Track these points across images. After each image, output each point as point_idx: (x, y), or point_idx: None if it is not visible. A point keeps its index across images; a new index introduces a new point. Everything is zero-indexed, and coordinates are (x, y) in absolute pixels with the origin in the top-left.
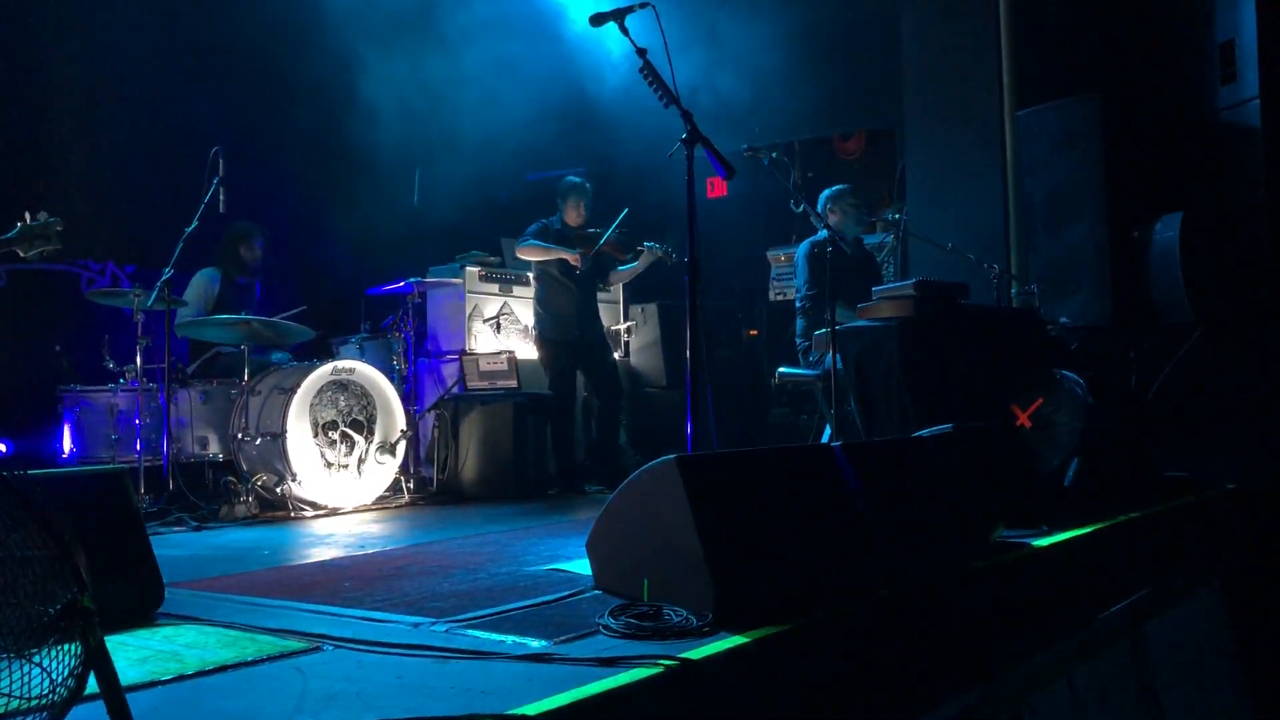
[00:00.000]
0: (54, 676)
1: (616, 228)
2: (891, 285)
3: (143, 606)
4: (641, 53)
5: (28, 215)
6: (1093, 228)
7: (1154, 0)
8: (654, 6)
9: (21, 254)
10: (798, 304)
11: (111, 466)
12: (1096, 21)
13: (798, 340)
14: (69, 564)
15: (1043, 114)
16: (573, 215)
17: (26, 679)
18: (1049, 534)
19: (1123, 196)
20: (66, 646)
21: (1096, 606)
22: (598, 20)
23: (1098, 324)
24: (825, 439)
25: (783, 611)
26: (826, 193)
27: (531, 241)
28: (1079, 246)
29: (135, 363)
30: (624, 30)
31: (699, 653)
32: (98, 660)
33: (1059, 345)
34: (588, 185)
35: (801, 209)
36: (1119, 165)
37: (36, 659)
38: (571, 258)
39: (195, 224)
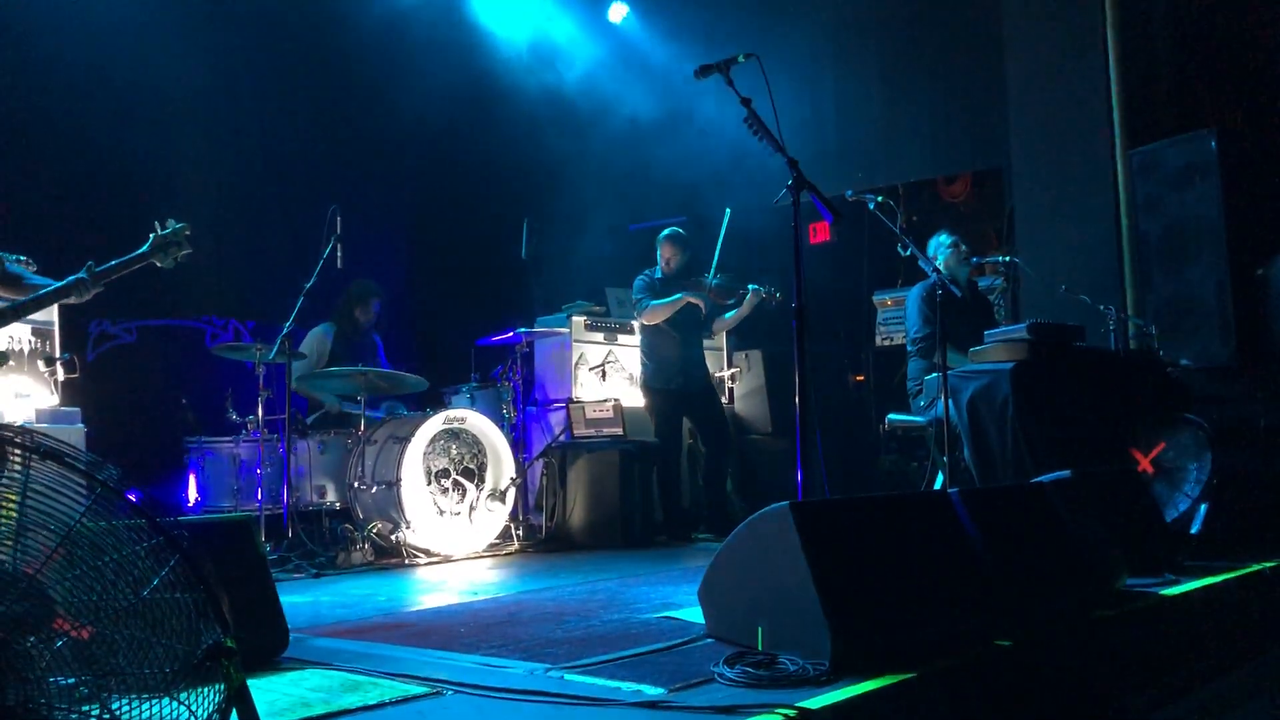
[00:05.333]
0: (198, 714)
1: (718, 263)
2: (1004, 329)
3: (268, 651)
4: (746, 102)
5: (157, 225)
6: (1213, 266)
7: (1268, 32)
8: (758, 57)
9: (159, 264)
10: (909, 348)
11: (238, 515)
12: (1209, 55)
13: (909, 384)
14: (214, 606)
15: (1157, 151)
16: (670, 264)
17: (173, 716)
18: (1176, 583)
19: (1243, 233)
20: (211, 685)
21: (1233, 659)
22: (703, 72)
23: (1220, 365)
24: (937, 486)
25: (901, 661)
26: (933, 240)
27: (650, 304)
28: (1198, 285)
29: (257, 414)
30: (729, 81)
31: (816, 702)
32: (240, 700)
33: (1180, 387)
34: (684, 233)
35: (909, 253)
36: (1238, 201)
37: (182, 696)
38: (693, 300)
39: (314, 280)
